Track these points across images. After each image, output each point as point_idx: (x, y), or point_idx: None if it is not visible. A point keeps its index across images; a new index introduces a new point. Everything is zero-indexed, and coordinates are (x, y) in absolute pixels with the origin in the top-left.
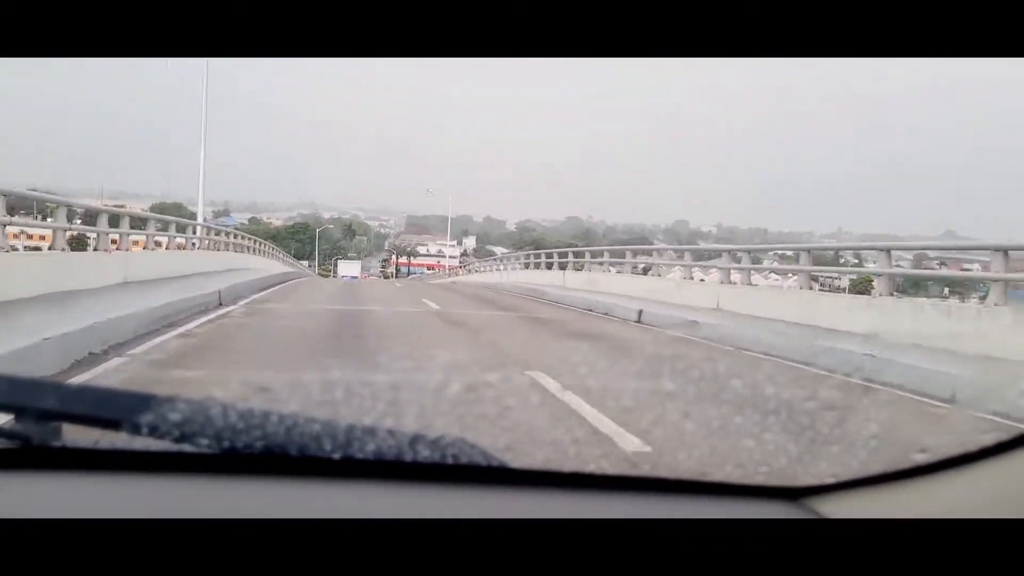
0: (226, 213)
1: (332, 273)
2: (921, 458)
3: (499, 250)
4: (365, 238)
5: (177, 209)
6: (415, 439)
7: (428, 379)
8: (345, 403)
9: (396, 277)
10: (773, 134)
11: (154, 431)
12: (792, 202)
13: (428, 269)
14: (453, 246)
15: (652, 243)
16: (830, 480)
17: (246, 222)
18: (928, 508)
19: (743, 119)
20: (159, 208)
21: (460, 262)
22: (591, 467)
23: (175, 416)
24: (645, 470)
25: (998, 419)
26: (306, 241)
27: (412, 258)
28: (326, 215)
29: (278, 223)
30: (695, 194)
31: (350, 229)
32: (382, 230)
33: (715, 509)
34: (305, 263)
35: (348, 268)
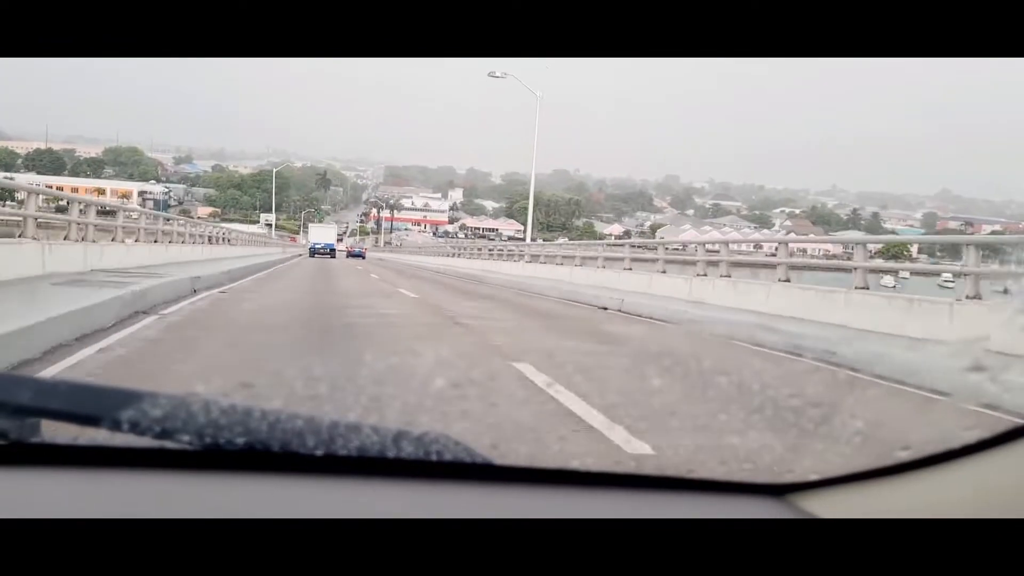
0: (188, 160)
1: (302, 228)
2: (905, 454)
3: (488, 204)
4: (341, 189)
5: (133, 153)
6: (399, 435)
7: None
8: None
9: (379, 233)
10: (765, 89)
11: (135, 427)
12: (785, 158)
13: (414, 224)
14: (439, 199)
15: (651, 199)
16: (813, 476)
17: (210, 170)
18: (911, 504)
19: (734, 75)
20: (113, 153)
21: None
22: (575, 463)
23: (156, 412)
24: (630, 467)
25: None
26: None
27: (395, 212)
28: (298, 164)
29: (245, 171)
30: (684, 148)
31: (325, 178)
32: (359, 181)
33: (699, 505)
34: (272, 217)
35: (322, 234)
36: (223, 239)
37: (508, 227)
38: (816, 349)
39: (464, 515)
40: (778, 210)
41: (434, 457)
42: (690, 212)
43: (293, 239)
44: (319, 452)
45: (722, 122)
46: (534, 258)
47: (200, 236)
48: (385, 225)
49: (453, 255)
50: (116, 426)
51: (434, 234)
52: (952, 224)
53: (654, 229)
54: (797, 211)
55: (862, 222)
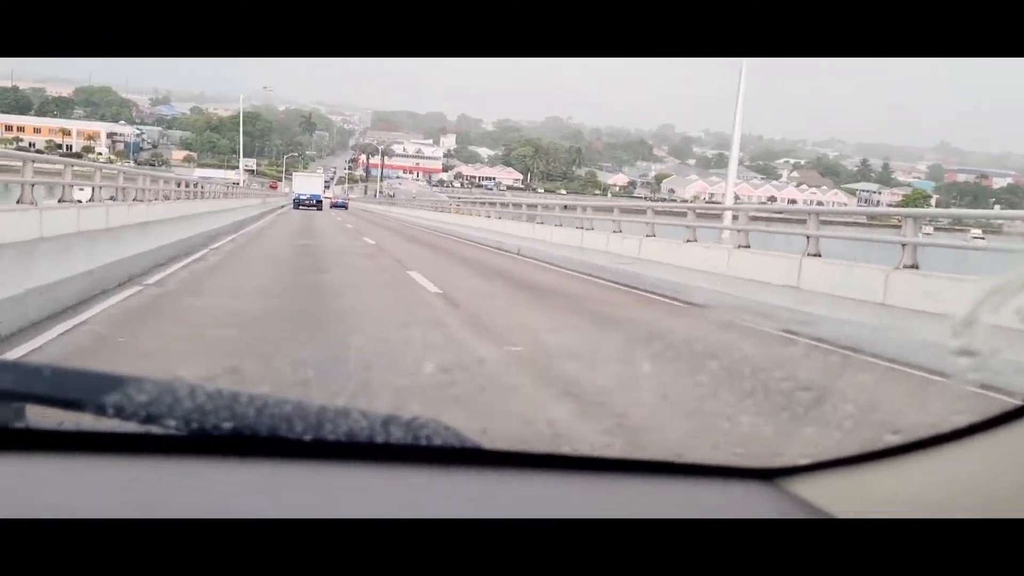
0: (165, 102)
1: (284, 174)
2: (895, 439)
3: (484, 152)
4: (327, 134)
5: (105, 94)
6: (388, 420)
7: None
8: None
9: (365, 180)
10: None
11: (119, 412)
12: (783, 109)
13: (405, 172)
14: (432, 145)
15: (651, 148)
16: (804, 461)
17: (188, 112)
18: (901, 488)
19: None
20: (85, 93)
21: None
22: (565, 448)
23: (141, 397)
24: (619, 451)
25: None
26: (255, 135)
27: (387, 158)
28: (281, 107)
29: (226, 114)
30: (678, 97)
31: (310, 122)
32: (346, 126)
33: (689, 489)
34: (253, 163)
35: (307, 184)
36: (181, 192)
37: (506, 176)
38: None
39: (452, 499)
40: (782, 160)
41: (423, 442)
42: (691, 162)
43: (274, 185)
44: (307, 437)
45: (715, 71)
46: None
47: (142, 190)
48: (375, 172)
49: (485, 213)
50: (101, 411)
51: (428, 182)
52: (960, 177)
53: (659, 180)
54: (802, 162)
55: (872, 174)
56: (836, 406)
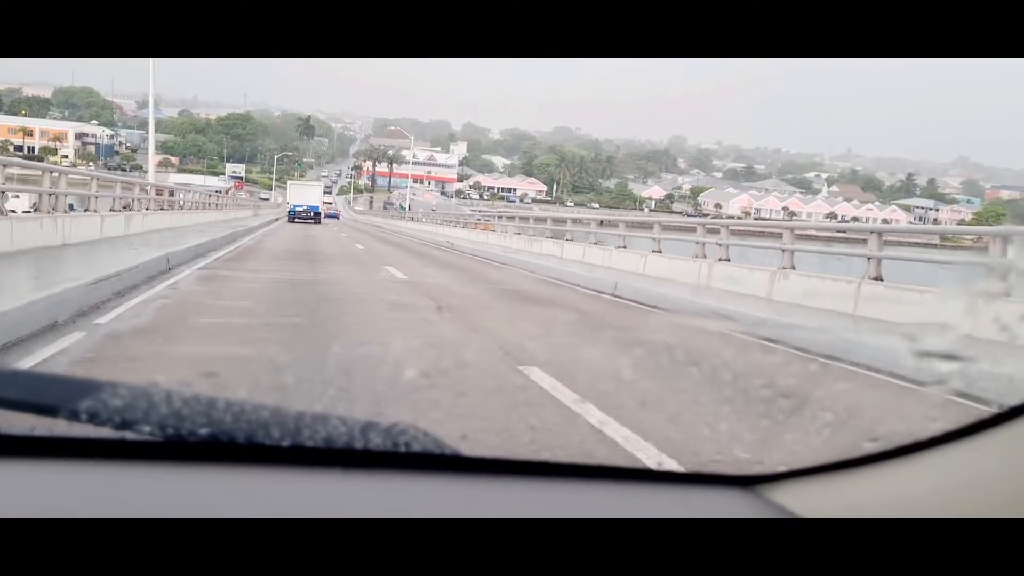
0: (154, 106)
1: (275, 183)
2: (873, 446)
3: (498, 160)
4: (326, 140)
5: (87, 95)
6: (367, 426)
7: None
8: None
9: (371, 189)
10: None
11: (93, 418)
12: (799, 122)
13: (416, 181)
14: (441, 153)
15: (675, 160)
16: (782, 468)
17: (176, 116)
18: (878, 495)
19: None
20: (64, 94)
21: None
22: (545, 455)
23: (116, 402)
24: (599, 459)
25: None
26: (245, 138)
27: (396, 166)
28: (276, 114)
29: (213, 117)
30: (688, 108)
31: (308, 125)
32: (347, 133)
33: (668, 497)
34: (242, 168)
35: (303, 193)
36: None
37: (528, 186)
38: None
39: (433, 506)
40: (812, 175)
41: (402, 448)
42: (717, 175)
43: (239, 186)
44: (285, 443)
45: (721, 81)
46: None
47: None
48: (381, 182)
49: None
50: (74, 416)
51: (441, 193)
52: (1004, 194)
53: (695, 193)
54: (833, 175)
55: (916, 190)
56: None
